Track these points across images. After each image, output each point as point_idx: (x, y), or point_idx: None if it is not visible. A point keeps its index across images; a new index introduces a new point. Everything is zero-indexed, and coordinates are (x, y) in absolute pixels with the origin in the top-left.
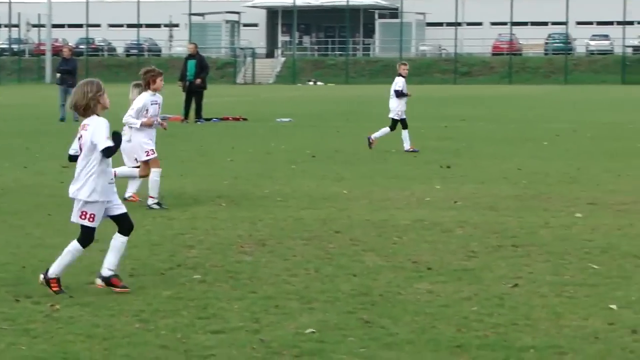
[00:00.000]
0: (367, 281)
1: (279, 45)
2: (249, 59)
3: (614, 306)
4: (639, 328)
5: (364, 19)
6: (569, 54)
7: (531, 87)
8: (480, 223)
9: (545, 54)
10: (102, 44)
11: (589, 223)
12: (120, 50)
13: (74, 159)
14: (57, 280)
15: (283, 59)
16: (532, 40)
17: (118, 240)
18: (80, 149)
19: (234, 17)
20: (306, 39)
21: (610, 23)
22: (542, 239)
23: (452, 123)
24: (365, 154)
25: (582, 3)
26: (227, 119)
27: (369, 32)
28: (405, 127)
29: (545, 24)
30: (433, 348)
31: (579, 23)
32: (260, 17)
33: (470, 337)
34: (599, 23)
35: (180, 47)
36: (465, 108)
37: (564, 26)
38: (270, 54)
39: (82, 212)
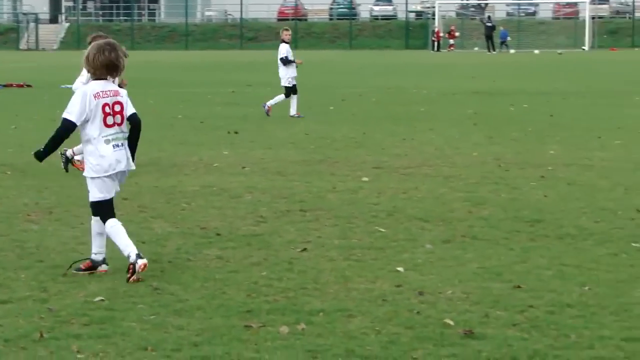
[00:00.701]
0: (156, 248)
1: (63, 10)
2: (32, 25)
3: (400, 268)
4: (425, 289)
5: None
6: (353, 19)
7: (317, 52)
8: (269, 188)
9: (330, 19)
10: None
11: (375, 187)
12: None
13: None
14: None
15: (67, 24)
16: (317, 6)
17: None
18: (117, 118)
19: None
20: (90, 4)
21: None
22: (330, 203)
23: (239, 89)
24: (152, 121)
25: None
26: (11, 85)
27: None
28: (295, 92)
29: None
30: (223, 314)
31: None
32: None
33: (260, 302)
34: None
35: None
36: (252, 74)
37: None
38: (53, 20)
39: None
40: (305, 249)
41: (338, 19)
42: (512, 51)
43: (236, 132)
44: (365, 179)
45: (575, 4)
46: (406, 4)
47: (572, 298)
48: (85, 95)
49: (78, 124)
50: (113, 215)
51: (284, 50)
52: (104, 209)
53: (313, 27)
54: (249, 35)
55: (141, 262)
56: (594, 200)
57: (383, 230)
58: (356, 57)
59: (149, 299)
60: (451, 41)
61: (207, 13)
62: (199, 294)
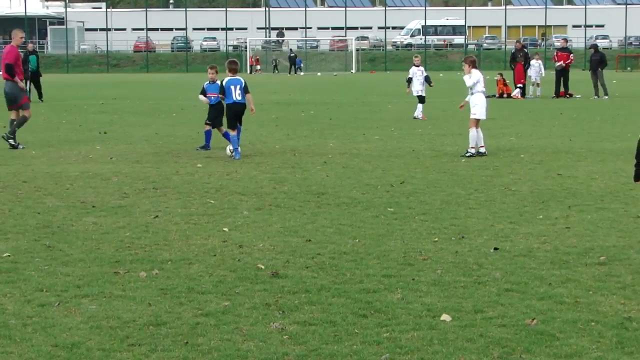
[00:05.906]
0: (48, 217)
1: None
2: None
3: (226, 229)
4: (244, 243)
5: (38, 25)
6: (188, 50)
7: (162, 75)
8: (130, 172)
9: (172, 50)
10: None
11: (207, 170)
12: None
13: None
14: None
15: None
16: (162, 41)
17: None
18: None
19: None
20: None
21: (217, 29)
22: (174, 182)
23: (106, 101)
24: (44, 125)
25: (196, 14)
26: None
27: (43, 35)
28: (422, 101)
29: (170, 29)
30: (98, 264)
31: (194, 29)
32: None
33: (125, 255)
34: (209, 29)
35: None
36: (116, 90)
37: (183, 31)
38: None
39: None
40: (157, 216)
41: (177, 50)
42: (302, 74)
43: (105, 133)
44: (199, 165)
45: (345, 40)
46: (226, 39)
47: (347, 247)
48: None
49: None
50: None
51: (411, 72)
52: None
53: (159, 56)
54: (113, 62)
55: None
56: (361, 178)
57: (213, 201)
58: (191, 78)
59: (44, 254)
60: (258, 67)
61: (82, 47)
62: (81, 249)
